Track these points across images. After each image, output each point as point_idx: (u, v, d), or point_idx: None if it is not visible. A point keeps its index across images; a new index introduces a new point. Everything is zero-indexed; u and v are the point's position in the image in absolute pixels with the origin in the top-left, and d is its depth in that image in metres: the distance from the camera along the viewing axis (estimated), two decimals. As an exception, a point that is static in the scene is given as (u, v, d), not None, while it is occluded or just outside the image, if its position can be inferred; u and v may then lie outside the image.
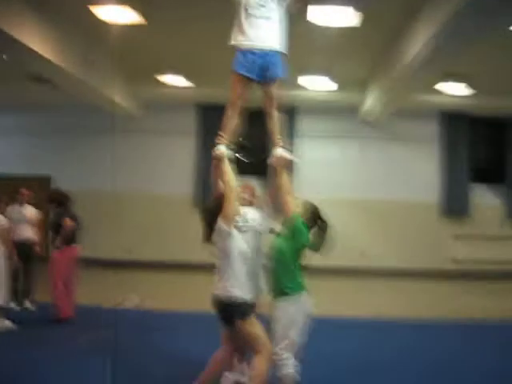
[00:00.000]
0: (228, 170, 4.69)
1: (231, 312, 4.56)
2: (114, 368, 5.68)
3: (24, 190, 9.30)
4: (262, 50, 4.67)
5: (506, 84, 12.10)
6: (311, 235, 4.82)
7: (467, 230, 14.46)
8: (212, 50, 9.63)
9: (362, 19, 8.49)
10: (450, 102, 13.56)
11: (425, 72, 9.78)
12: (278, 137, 4.84)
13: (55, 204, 8.40)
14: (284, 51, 4.81)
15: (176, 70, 12.34)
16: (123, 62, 11.23)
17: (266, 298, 4.84)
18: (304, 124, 14.43)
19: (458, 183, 14.59)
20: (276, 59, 4.73)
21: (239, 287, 4.55)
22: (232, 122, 4.80)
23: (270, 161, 4.84)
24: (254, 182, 5.61)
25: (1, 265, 7.56)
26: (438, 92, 12.76)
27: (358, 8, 8.12)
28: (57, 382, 5.71)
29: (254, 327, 4.57)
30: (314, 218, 4.84)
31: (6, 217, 8.12)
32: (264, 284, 4.84)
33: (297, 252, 4.71)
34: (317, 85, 12.88)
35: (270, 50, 4.70)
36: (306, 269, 4.82)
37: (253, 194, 5.18)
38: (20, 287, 8.95)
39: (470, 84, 12.09)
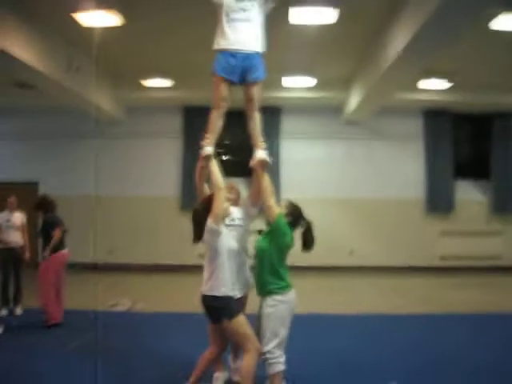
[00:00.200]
0: (215, 169, 4.77)
1: (219, 311, 4.62)
2: (100, 370, 5.73)
3: (12, 198, 9.31)
4: (242, 52, 4.73)
5: (488, 80, 12.23)
6: (299, 235, 4.90)
7: (453, 226, 14.57)
8: (196, 53, 9.67)
9: (343, 18, 8.54)
10: (433, 99, 13.63)
11: (407, 69, 9.85)
12: (260, 139, 4.91)
13: (42, 211, 8.41)
14: (263, 51, 4.88)
15: (160, 74, 12.36)
16: (107, 66, 11.26)
17: (252, 295, 4.90)
18: (288, 124, 14.49)
19: (442, 180, 14.69)
20: (256, 61, 4.81)
21: (228, 286, 4.62)
22: (216, 123, 4.88)
23: (252, 163, 4.90)
24: (237, 183, 5.67)
25: None
26: (421, 90, 12.86)
27: (338, 7, 8.18)
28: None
29: (242, 326, 4.63)
30: (298, 218, 4.91)
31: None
32: (251, 278, 4.92)
33: (281, 252, 4.78)
34: (300, 85, 12.93)
35: (251, 53, 4.77)
36: (290, 268, 4.89)
37: (237, 195, 5.27)
38: (10, 293, 8.96)
39: (453, 81, 12.19)
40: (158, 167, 14.81)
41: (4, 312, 8.76)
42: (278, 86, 12.69)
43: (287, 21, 8.57)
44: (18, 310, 8.92)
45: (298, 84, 12.89)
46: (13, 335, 7.56)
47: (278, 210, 4.79)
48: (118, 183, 14.35)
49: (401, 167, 14.68)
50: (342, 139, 14.72)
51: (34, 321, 8.17)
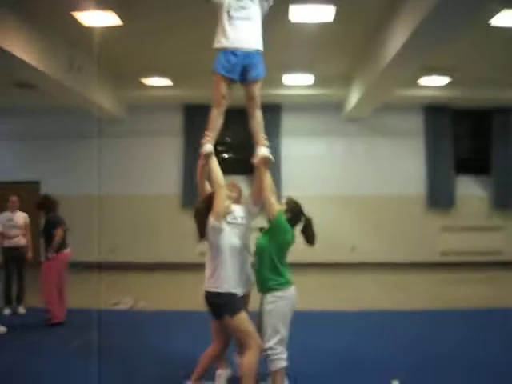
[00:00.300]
0: (216, 167, 4.80)
1: (221, 308, 4.65)
2: (103, 369, 5.76)
3: (14, 197, 9.34)
4: (242, 50, 4.76)
5: (488, 75, 12.25)
6: (300, 232, 4.93)
7: (454, 222, 14.59)
8: (196, 52, 9.71)
9: (342, 15, 8.55)
10: (433, 95, 13.66)
11: (406, 66, 9.84)
12: (262, 136, 4.94)
13: (44, 210, 8.44)
14: (261, 47, 4.92)
15: (161, 72, 12.39)
16: (108, 65, 11.28)
17: (254, 292, 4.93)
18: (289, 122, 14.52)
19: (443, 175, 14.69)
20: (257, 59, 4.84)
21: (230, 282, 4.65)
22: (217, 121, 4.91)
23: (254, 160, 4.92)
24: (238, 181, 5.69)
25: None
26: (421, 86, 12.87)
27: (336, 4, 8.19)
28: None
29: (244, 322, 4.65)
30: (297, 215, 4.93)
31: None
32: (252, 275, 4.95)
33: (281, 249, 4.80)
34: (300, 82, 12.94)
35: (251, 51, 4.80)
36: (292, 264, 4.92)
37: (239, 192, 5.29)
38: (13, 293, 9.00)
39: (452, 77, 12.20)
40: (158, 165, 14.85)
41: (7, 311, 8.80)
42: (278, 83, 12.71)
43: (287, 18, 8.59)
44: (21, 309, 8.95)
45: (297, 81, 12.89)
46: (16, 334, 7.59)
47: (278, 207, 4.82)
48: (119, 182, 14.38)
49: (401, 163, 14.69)
50: (343, 136, 14.75)
51: (36, 320, 8.22)
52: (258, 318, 4.78)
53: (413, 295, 10.78)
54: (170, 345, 7.01)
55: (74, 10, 8.38)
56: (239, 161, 13.97)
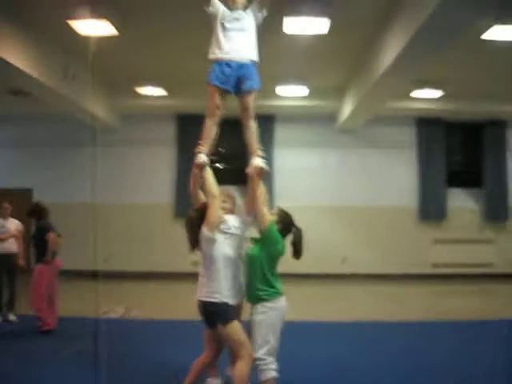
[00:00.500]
0: (210, 177, 4.82)
1: (214, 316, 4.66)
2: (95, 377, 5.75)
3: (6, 204, 9.34)
4: (237, 62, 4.80)
5: (480, 88, 12.33)
6: (287, 242, 4.94)
7: (445, 234, 14.65)
8: (190, 62, 9.76)
9: (336, 27, 8.60)
10: (426, 107, 13.74)
11: (399, 78, 9.90)
12: (257, 146, 4.96)
13: (35, 217, 8.44)
14: (256, 58, 4.94)
15: (154, 82, 12.42)
16: (102, 74, 11.30)
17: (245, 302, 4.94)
18: (282, 133, 14.57)
19: (435, 188, 14.77)
20: (251, 71, 4.86)
21: (223, 292, 4.66)
22: (211, 131, 4.93)
23: (248, 170, 4.94)
24: (232, 191, 5.70)
25: None
26: (414, 98, 12.94)
27: (330, 17, 8.24)
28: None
29: (236, 332, 4.66)
30: (288, 226, 4.95)
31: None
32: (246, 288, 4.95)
33: (273, 259, 4.81)
34: (293, 93, 12.99)
35: (245, 62, 4.83)
36: (283, 275, 4.93)
37: (233, 203, 5.30)
38: (4, 300, 8.97)
39: (445, 89, 12.28)
40: (152, 175, 14.87)
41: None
42: (272, 94, 12.75)
43: (281, 30, 8.63)
44: (12, 317, 8.92)
45: (291, 93, 12.94)
46: (6, 341, 7.59)
47: (270, 217, 4.83)
48: (112, 191, 14.33)
49: (394, 175, 14.76)
50: (336, 147, 14.80)
51: (28, 327, 8.20)
52: (248, 328, 4.79)
53: (404, 307, 10.81)
54: (163, 353, 7.00)
55: (69, 19, 8.40)
56: (233, 171, 13.99)
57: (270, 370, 4.68)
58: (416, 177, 14.90)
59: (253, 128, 4.96)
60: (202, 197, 5.12)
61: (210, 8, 4.96)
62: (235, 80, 4.82)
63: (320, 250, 12.78)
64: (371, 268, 14.29)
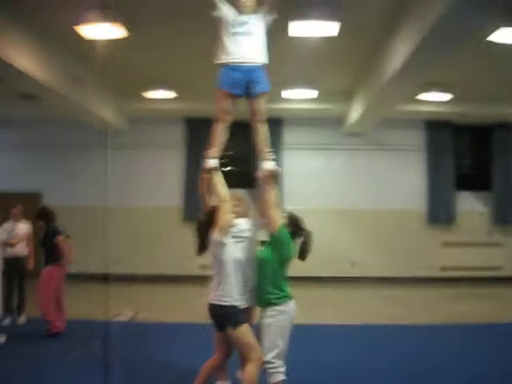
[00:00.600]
0: (219, 181, 4.82)
1: (224, 320, 4.67)
2: (104, 380, 5.76)
3: (17, 207, 9.38)
4: (245, 65, 4.79)
5: (489, 91, 12.29)
6: (296, 245, 4.93)
7: (454, 237, 14.62)
8: (198, 65, 9.75)
9: (344, 30, 8.60)
10: (435, 110, 13.70)
11: (408, 81, 9.90)
12: (267, 150, 4.95)
13: (44, 221, 8.48)
14: (265, 60, 4.93)
15: (163, 85, 12.43)
16: (110, 77, 11.31)
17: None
18: (290, 136, 14.59)
19: (444, 191, 14.74)
20: (260, 74, 4.85)
21: (233, 296, 4.66)
22: (220, 136, 4.93)
23: (258, 174, 4.94)
24: (243, 194, 5.70)
25: None
26: (423, 101, 12.91)
27: (339, 20, 8.23)
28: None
29: (246, 335, 4.66)
30: (297, 229, 4.95)
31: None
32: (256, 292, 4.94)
33: (282, 263, 4.80)
34: (302, 96, 12.98)
35: (254, 66, 4.82)
36: (292, 278, 4.92)
37: (245, 206, 5.29)
38: (14, 303, 9.01)
39: (454, 92, 12.25)
40: (160, 178, 14.90)
41: (7, 321, 8.80)
42: (280, 97, 12.76)
43: (289, 33, 8.63)
44: (22, 319, 8.96)
45: (299, 95, 12.92)
46: (16, 344, 7.59)
47: (280, 220, 4.83)
48: (121, 194, 14.35)
49: (402, 178, 14.75)
50: (344, 150, 14.81)
51: (37, 330, 8.20)
52: (257, 332, 4.79)
53: (413, 310, 10.76)
54: (172, 356, 7.02)
55: (77, 23, 8.42)
56: (241, 174, 14.00)
57: (279, 373, 4.68)
58: (425, 180, 14.88)
59: (263, 132, 4.96)
60: (211, 200, 5.12)
61: (216, 12, 4.95)
62: (244, 84, 4.81)
63: (328, 253, 12.78)
64: (379, 271, 14.27)
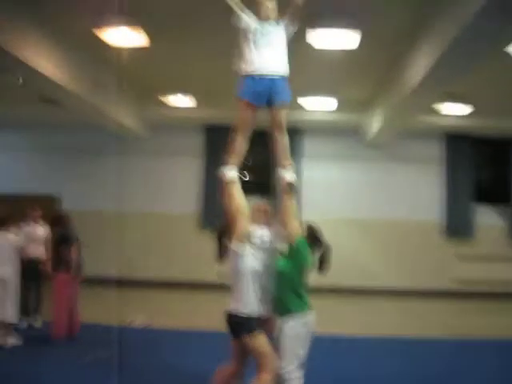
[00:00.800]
0: (236, 191, 4.82)
1: (239, 328, 4.66)
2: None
3: (35, 210, 9.46)
4: (267, 77, 4.78)
5: (508, 104, 12.22)
6: (313, 256, 4.92)
7: (471, 251, 14.50)
8: (218, 72, 9.83)
9: (364, 41, 8.61)
10: (454, 122, 13.66)
11: (427, 94, 9.93)
12: (287, 160, 4.94)
13: (57, 227, 8.53)
14: (287, 72, 4.91)
15: (183, 92, 12.51)
16: (131, 84, 11.39)
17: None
18: (308, 146, 14.59)
19: (461, 203, 14.68)
20: (281, 84, 4.83)
21: (249, 305, 4.64)
22: (239, 145, 4.92)
23: (278, 183, 4.93)
24: (266, 203, 5.64)
25: (11, 282, 7.69)
26: (442, 114, 12.87)
27: (359, 28, 8.24)
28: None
29: (261, 343, 4.65)
30: (316, 240, 4.94)
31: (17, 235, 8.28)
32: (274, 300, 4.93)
33: (301, 272, 4.79)
34: (320, 106, 13.01)
35: (276, 77, 4.82)
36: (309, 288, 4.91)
37: (267, 214, 5.27)
38: (31, 305, 9.05)
39: (473, 105, 12.20)
40: (178, 185, 14.96)
41: (24, 324, 8.81)
42: (300, 108, 12.80)
43: (311, 44, 8.65)
44: (38, 322, 8.99)
45: (319, 106, 12.97)
46: (30, 347, 7.63)
47: (298, 230, 4.82)
48: (136, 199, 14.44)
49: (421, 190, 14.73)
50: (363, 161, 14.79)
51: (50, 334, 8.24)
52: (275, 341, 4.77)
53: (428, 323, 10.74)
54: (185, 364, 7.01)
55: (98, 27, 8.48)
56: (260, 184, 13.95)
57: (295, 381, 4.66)
58: (442, 192, 14.83)
59: (284, 142, 4.95)
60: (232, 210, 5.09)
61: (237, 21, 4.95)
62: (266, 95, 4.79)
63: (344, 264, 12.74)
64: (394, 282, 14.20)
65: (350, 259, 13.46)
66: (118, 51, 9.02)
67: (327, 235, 5.02)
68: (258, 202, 5.13)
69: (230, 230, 4.75)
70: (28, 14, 8.10)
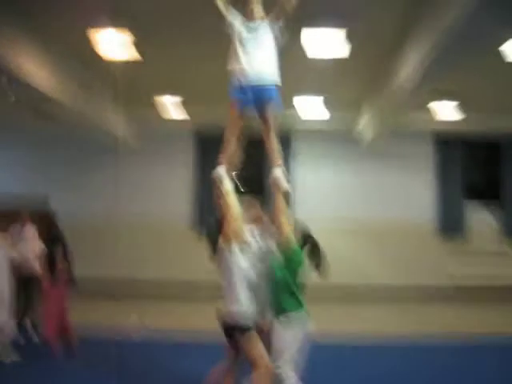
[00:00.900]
0: (228, 191, 4.82)
1: (232, 327, 4.66)
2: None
3: (32, 225, 9.44)
4: (258, 83, 4.81)
5: (498, 104, 12.29)
6: (305, 254, 4.93)
7: (463, 248, 14.65)
8: (211, 80, 9.83)
9: (354, 42, 8.66)
10: (444, 122, 13.72)
11: (416, 93, 9.93)
12: (277, 156, 4.96)
13: (50, 240, 8.52)
14: (278, 81, 4.96)
15: (175, 98, 12.61)
16: (123, 93, 11.38)
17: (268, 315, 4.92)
18: (301, 149, 14.63)
19: (452, 202, 14.84)
20: (271, 90, 4.88)
21: (240, 304, 4.65)
22: (231, 145, 4.95)
23: (269, 181, 4.95)
24: (255, 201, 5.64)
25: (5, 294, 7.61)
26: (432, 113, 12.93)
27: (345, 27, 8.28)
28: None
29: (254, 343, 4.64)
30: (305, 237, 4.96)
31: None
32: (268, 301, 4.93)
33: (294, 272, 4.81)
34: (311, 109, 13.08)
35: (267, 86, 4.86)
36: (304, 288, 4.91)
37: (258, 213, 5.29)
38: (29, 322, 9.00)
39: (463, 104, 12.26)
40: (169, 191, 15.00)
41: (22, 340, 8.70)
42: (291, 109, 12.87)
43: (304, 53, 8.72)
44: (37, 338, 8.86)
45: (309, 108, 13.03)
46: (29, 363, 7.51)
47: (289, 229, 4.83)
48: (130, 206, 14.36)
49: (411, 189, 14.83)
50: (353, 162, 14.87)
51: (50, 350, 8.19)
52: (270, 340, 4.77)
53: (422, 319, 11.00)
54: (182, 365, 7.14)
55: (89, 31, 8.52)
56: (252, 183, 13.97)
57: (290, 380, 4.66)
58: (434, 191, 14.97)
59: (274, 138, 4.97)
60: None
61: (227, 27, 5.01)
62: (256, 99, 4.85)
63: (337, 264, 12.67)
64: (388, 282, 14.20)
65: (344, 259, 13.42)
66: (111, 65, 9.06)
67: (320, 235, 5.04)
68: (249, 199, 5.15)
69: (223, 230, 4.75)
70: (18, 22, 8.13)
